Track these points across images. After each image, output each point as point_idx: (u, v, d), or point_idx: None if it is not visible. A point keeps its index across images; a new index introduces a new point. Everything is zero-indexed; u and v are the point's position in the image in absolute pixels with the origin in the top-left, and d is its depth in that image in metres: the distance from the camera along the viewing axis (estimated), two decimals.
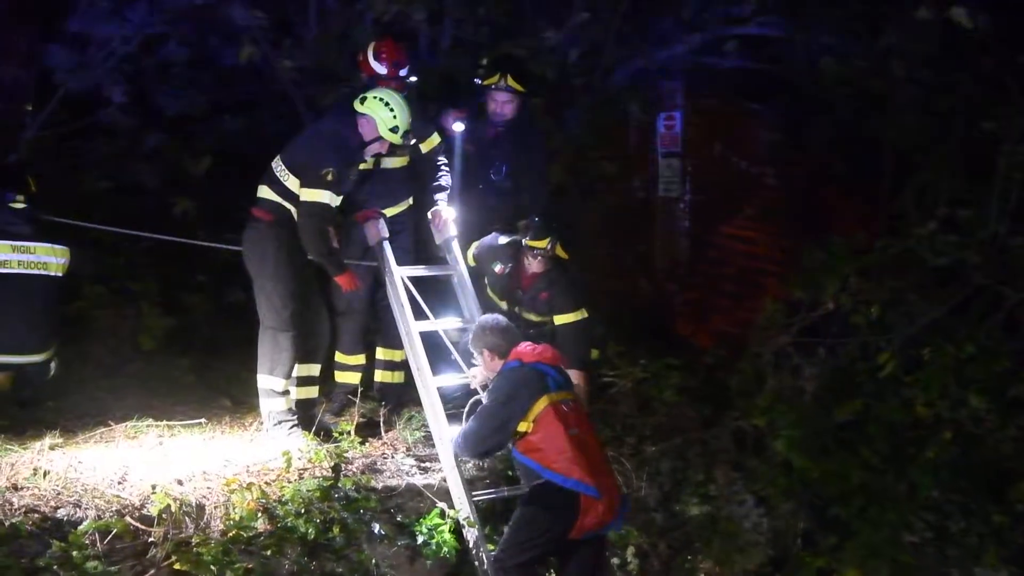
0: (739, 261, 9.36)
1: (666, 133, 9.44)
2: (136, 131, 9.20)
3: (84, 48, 8.79)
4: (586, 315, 7.20)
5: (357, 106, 6.67)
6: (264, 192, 6.68)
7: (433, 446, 6.46)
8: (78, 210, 7.92)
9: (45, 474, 5.65)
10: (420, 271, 7.06)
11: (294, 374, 6.83)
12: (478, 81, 7.44)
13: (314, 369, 7.00)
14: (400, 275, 6.81)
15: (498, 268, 7.18)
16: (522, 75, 7.36)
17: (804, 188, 9.58)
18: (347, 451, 6.36)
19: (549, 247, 7.03)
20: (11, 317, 6.92)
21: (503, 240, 7.07)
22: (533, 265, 7.11)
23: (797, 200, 9.55)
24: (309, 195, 6.49)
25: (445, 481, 6.23)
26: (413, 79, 7.22)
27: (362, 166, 6.88)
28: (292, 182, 6.57)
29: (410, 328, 6.63)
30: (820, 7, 9.10)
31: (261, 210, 6.67)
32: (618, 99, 9.65)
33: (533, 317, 7.28)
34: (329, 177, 6.47)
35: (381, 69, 7.03)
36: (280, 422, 6.65)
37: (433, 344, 6.73)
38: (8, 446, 6.04)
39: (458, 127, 7.37)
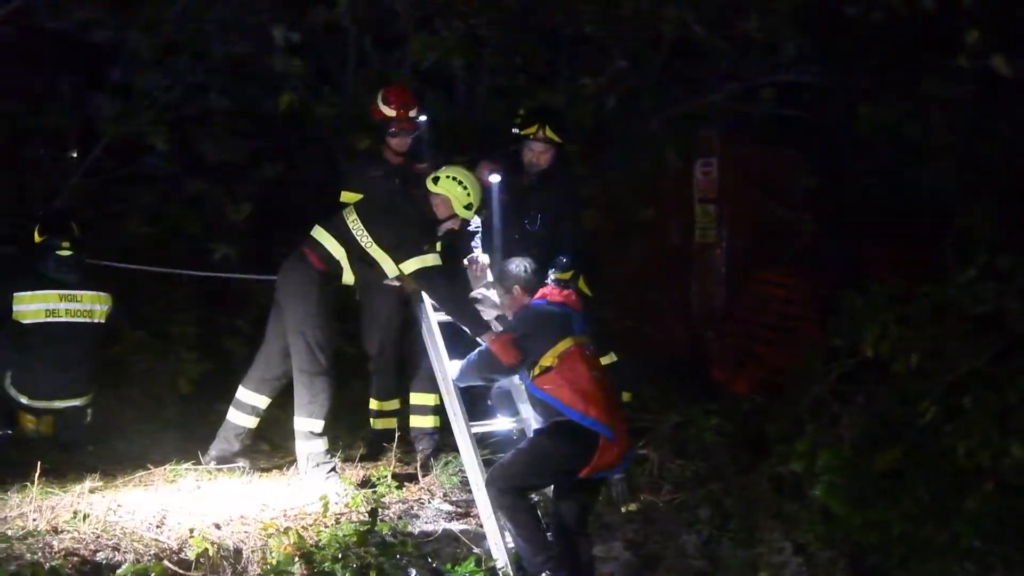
0: (776, 307, 9.33)
1: (703, 179, 9.49)
2: (177, 178, 9.35)
3: (127, 97, 8.94)
4: (613, 358, 7.24)
5: (431, 186, 6.77)
6: (325, 241, 6.77)
7: (470, 491, 6.47)
8: (120, 256, 8.09)
9: (85, 517, 5.71)
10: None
11: (246, 400, 6.97)
12: (515, 131, 7.51)
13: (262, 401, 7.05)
14: (437, 320, 6.87)
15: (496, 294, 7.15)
16: (559, 126, 7.43)
17: (842, 234, 9.57)
18: (384, 496, 6.40)
19: (571, 280, 7.12)
20: (55, 363, 7.08)
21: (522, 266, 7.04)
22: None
23: (835, 246, 9.54)
24: (417, 263, 6.62)
25: (482, 527, 6.23)
26: (423, 119, 7.37)
27: None
28: (377, 252, 6.72)
29: (446, 373, 6.67)
30: (857, 54, 9.14)
31: (315, 255, 6.76)
32: (655, 145, 9.71)
33: None
34: (427, 248, 6.64)
35: (390, 112, 7.23)
36: (319, 464, 6.70)
37: (468, 389, 6.78)
38: (49, 489, 6.11)
39: (494, 178, 7.45)
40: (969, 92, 8.42)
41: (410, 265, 6.61)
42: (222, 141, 9.46)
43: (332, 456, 6.83)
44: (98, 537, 5.56)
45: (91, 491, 6.14)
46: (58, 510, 5.83)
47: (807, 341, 8.24)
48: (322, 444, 6.76)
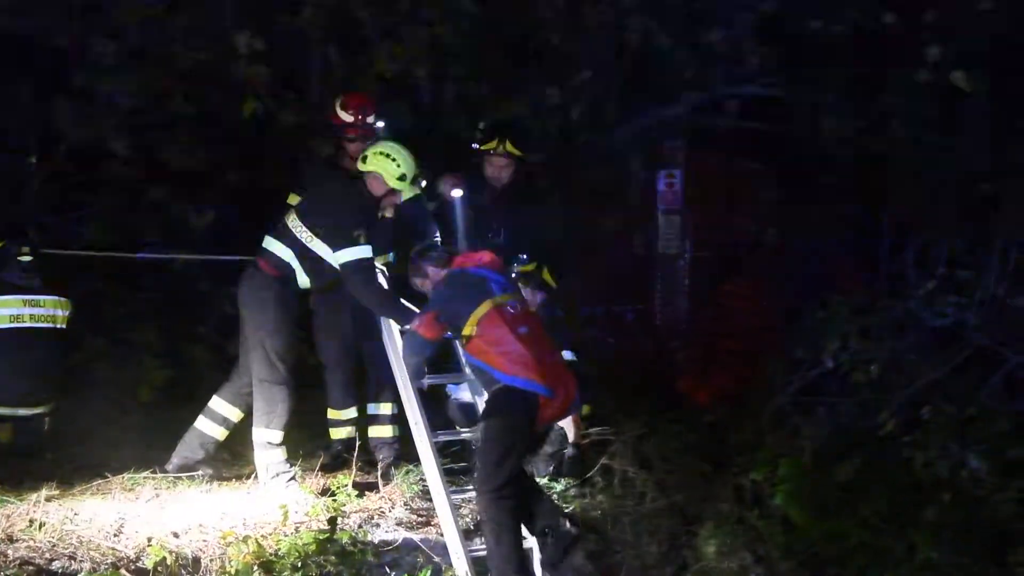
0: (739, 319, 9.40)
1: (667, 191, 9.56)
2: (139, 184, 9.30)
3: (89, 102, 8.88)
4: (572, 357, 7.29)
5: (361, 167, 6.78)
6: (273, 246, 6.76)
7: (431, 500, 6.46)
8: (80, 262, 8.04)
9: (41, 526, 5.67)
10: None
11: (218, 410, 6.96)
12: (475, 146, 7.51)
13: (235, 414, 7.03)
14: (398, 329, 6.86)
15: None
16: (520, 140, 7.42)
17: (804, 247, 9.65)
18: (344, 505, 6.39)
19: (535, 272, 7.25)
20: (20, 369, 7.02)
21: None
22: (528, 295, 7.14)
23: (797, 259, 9.62)
24: (348, 255, 6.60)
25: (442, 536, 6.22)
26: (380, 124, 7.37)
27: None
28: (318, 245, 6.69)
29: (408, 382, 6.66)
30: (820, 68, 9.24)
31: (267, 263, 6.74)
32: (619, 156, 9.76)
33: None
34: (361, 239, 6.59)
35: (348, 118, 7.25)
36: (278, 474, 6.68)
37: (429, 395, 6.80)
38: (4, 497, 6.06)
39: (456, 193, 7.46)
40: (930, 107, 8.52)
41: (342, 256, 6.59)
42: (185, 148, 9.41)
43: (291, 465, 6.81)
44: (54, 546, 5.51)
45: (47, 499, 6.09)
46: (13, 519, 5.78)
47: (770, 352, 8.30)
48: (281, 454, 6.74)
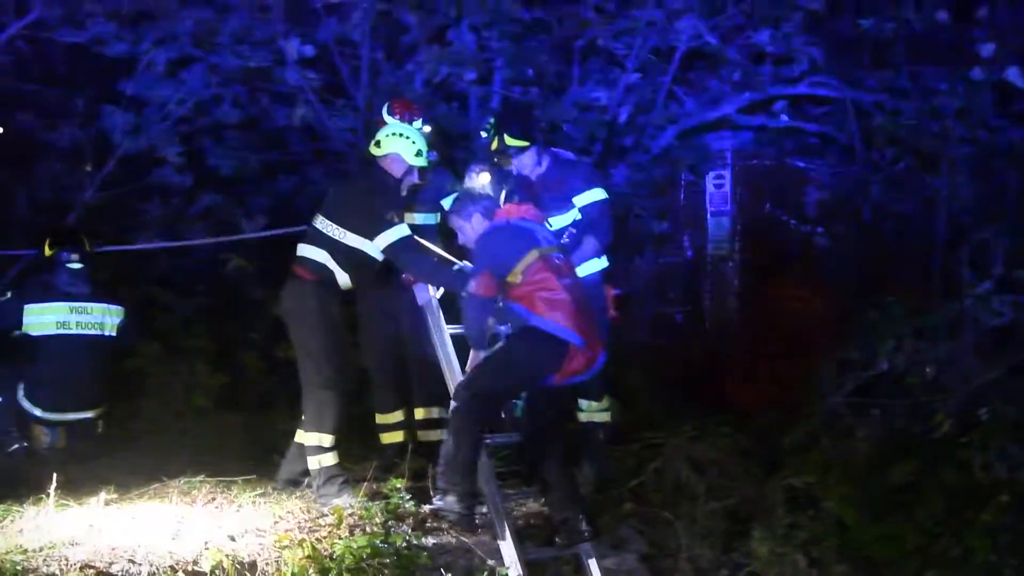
0: (791, 321, 9.37)
1: (715, 192, 9.54)
2: (190, 191, 9.45)
3: (140, 110, 9.04)
4: None
5: (375, 152, 6.86)
6: (307, 251, 6.79)
7: (485, 504, 6.50)
8: (133, 269, 8.17)
9: (100, 530, 5.76)
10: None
11: None
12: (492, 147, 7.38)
13: None
14: (449, 334, 6.91)
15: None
16: (521, 127, 7.28)
17: (857, 247, 9.61)
18: (397, 508, 6.43)
19: None
20: (66, 376, 7.17)
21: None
22: None
23: (849, 259, 9.57)
24: (388, 237, 6.63)
25: (496, 539, 6.26)
26: (427, 128, 7.42)
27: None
28: (352, 239, 6.69)
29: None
30: (872, 66, 9.19)
31: (304, 269, 6.78)
32: (667, 158, 9.76)
33: None
34: (395, 219, 6.66)
35: (390, 119, 7.33)
36: (331, 477, 6.73)
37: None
38: (64, 502, 6.14)
39: (484, 178, 7.45)
40: (984, 104, 8.46)
41: (382, 240, 6.63)
42: (235, 154, 9.54)
43: (343, 469, 6.87)
44: (114, 549, 5.57)
45: (106, 504, 6.18)
46: (74, 522, 5.87)
47: (822, 354, 8.27)
48: (332, 458, 6.77)
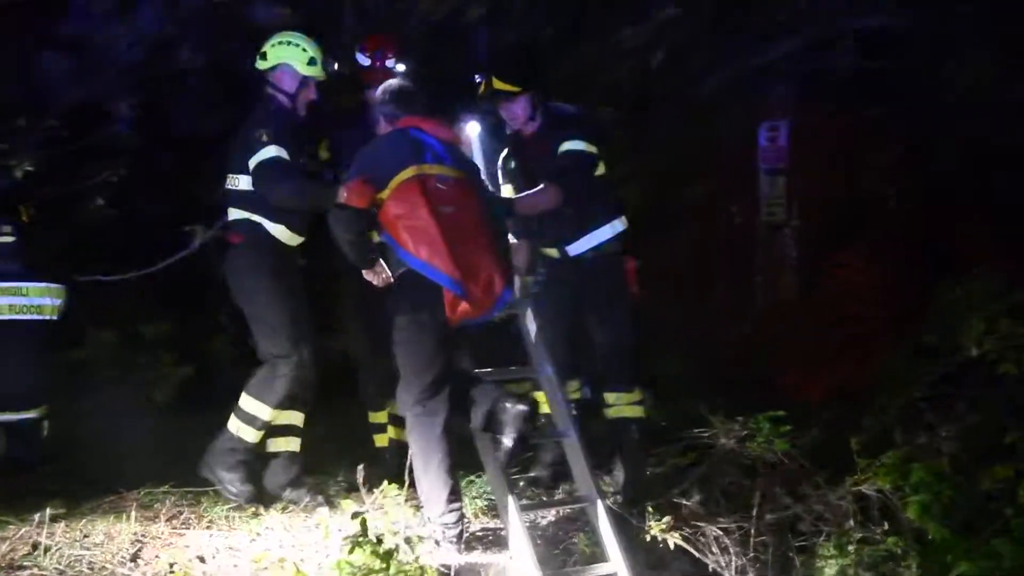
0: (858, 298, 9.34)
1: (769, 147, 9.51)
2: (144, 150, 9.41)
3: (83, 54, 8.99)
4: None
5: (262, 65, 7.01)
6: (232, 214, 6.97)
7: (496, 516, 6.49)
8: (78, 242, 8.13)
9: (46, 550, 5.73)
10: None
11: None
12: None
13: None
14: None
15: None
16: (512, 68, 7.31)
17: (934, 212, 9.57)
18: (396, 520, 6.37)
19: None
20: (3, 369, 7.13)
21: None
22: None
23: (927, 227, 9.53)
24: (254, 161, 6.74)
25: (512, 558, 6.24)
26: (400, 67, 7.48)
27: None
28: (244, 180, 6.85)
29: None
30: None
31: (233, 233, 6.97)
32: (711, 109, 9.70)
33: None
34: (264, 137, 6.72)
35: (365, 61, 7.53)
36: (232, 451, 6.82)
37: None
38: (3, 517, 6.16)
39: (472, 128, 7.47)
40: None
41: (251, 167, 6.74)
42: (196, 107, 9.51)
43: (252, 456, 6.91)
44: (62, 573, 5.58)
45: (53, 519, 6.15)
46: (14, 542, 5.86)
47: (896, 339, 8.24)
48: (253, 435, 6.86)
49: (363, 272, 6.51)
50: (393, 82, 6.67)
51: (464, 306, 6.05)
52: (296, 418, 7.09)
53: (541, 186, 7.14)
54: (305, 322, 6.96)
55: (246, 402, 6.86)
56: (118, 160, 9.36)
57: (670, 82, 9.74)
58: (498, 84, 7.20)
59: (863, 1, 9.35)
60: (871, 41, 9.63)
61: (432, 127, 6.42)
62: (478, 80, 7.31)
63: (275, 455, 7.05)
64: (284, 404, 6.89)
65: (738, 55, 9.72)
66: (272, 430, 7.02)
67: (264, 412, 6.83)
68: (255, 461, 7.01)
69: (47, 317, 7.35)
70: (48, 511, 6.22)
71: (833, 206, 9.52)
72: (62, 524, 6.18)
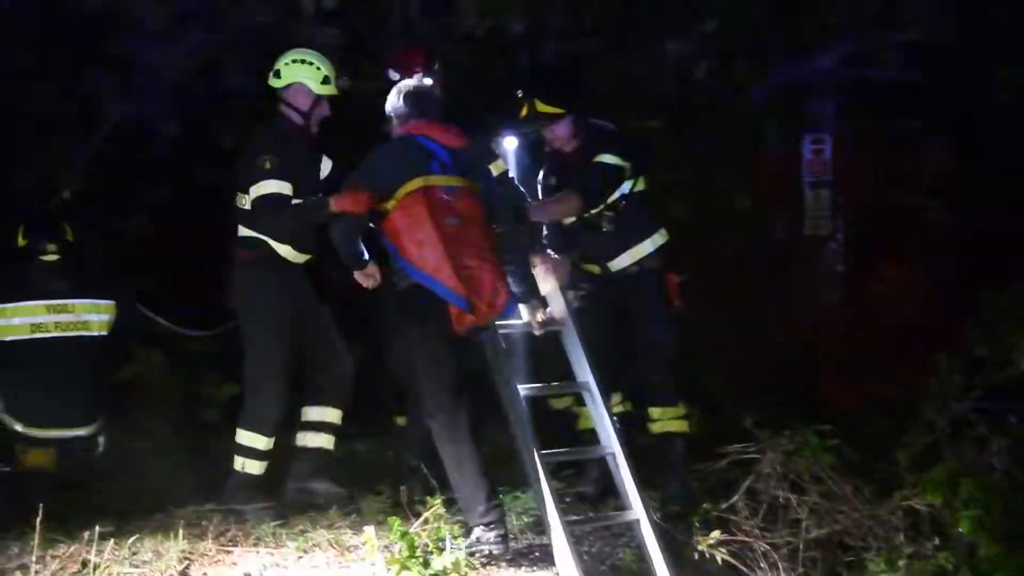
0: (903, 309, 9.24)
1: (813, 159, 9.45)
2: (190, 168, 9.41)
3: (132, 73, 9.00)
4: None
5: (275, 84, 7.00)
6: (240, 231, 6.98)
7: (543, 533, 6.42)
8: (127, 260, 8.13)
9: (96, 568, 5.74)
10: (519, 326, 7.12)
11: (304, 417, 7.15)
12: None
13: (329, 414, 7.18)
14: (499, 331, 6.82)
15: None
16: (556, 92, 7.27)
17: (979, 223, 9.47)
18: (441, 537, 6.31)
19: None
20: (49, 385, 7.15)
21: None
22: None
23: (971, 238, 9.44)
24: (254, 192, 6.77)
25: (558, 575, 6.17)
26: (428, 82, 7.36)
27: None
28: (246, 200, 6.86)
29: (513, 393, 6.61)
30: (998, 5, 9.02)
31: (240, 250, 6.97)
32: (754, 120, 9.63)
33: None
34: (267, 165, 6.74)
35: (395, 76, 7.39)
36: (246, 486, 6.83)
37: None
38: (53, 535, 6.13)
39: (509, 143, 7.49)
40: None
41: (253, 192, 6.76)
42: (242, 125, 9.50)
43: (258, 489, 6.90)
44: None
45: (102, 537, 6.11)
46: (64, 560, 5.87)
47: (943, 350, 8.13)
48: (258, 467, 6.89)
49: (355, 274, 6.56)
50: (408, 83, 6.70)
51: (469, 318, 6.10)
52: (332, 415, 7.14)
53: (562, 195, 7.11)
54: (294, 348, 6.98)
55: (240, 436, 6.90)
56: (164, 178, 9.40)
57: (713, 93, 9.65)
58: (542, 107, 7.17)
59: (907, 11, 9.22)
60: (915, 51, 9.54)
61: (441, 134, 6.43)
62: (520, 96, 7.25)
63: (305, 450, 7.12)
64: (274, 427, 6.92)
65: (781, 67, 9.64)
66: (305, 425, 7.12)
67: (259, 441, 6.87)
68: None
69: (95, 333, 7.34)
70: (97, 529, 6.20)
71: (879, 218, 9.42)
72: (111, 542, 6.13)
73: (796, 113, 9.62)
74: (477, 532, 6.12)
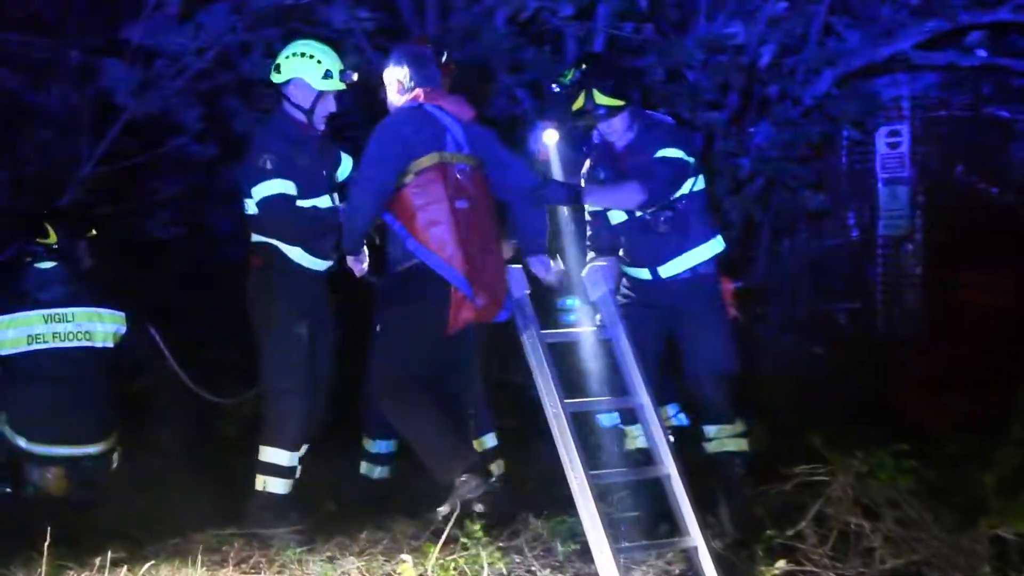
0: (990, 319, 9.17)
1: (889, 153, 9.39)
2: (213, 164, 9.47)
3: (150, 63, 9.05)
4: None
5: (275, 78, 6.97)
6: (252, 236, 6.97)
7: (591, 561, 6.40)
8: (142, 262, 8.17)
9: None
10: (566, 334, 7.14)
11: None
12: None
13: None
14: (544, 340, 6.80)
15: None
16: (615, 83, 7.17)
17: None
18: (480, 563, 6.30)
19: None
20: (55, 400, 7.19)
21: None
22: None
23: None
24: (256, 194, 6.76)
25: None
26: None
27: None
28: (251, 203, 6.86)
29: (560, 408, 6.58)
30: None
31: (254, 255, 6.97)
32: (825, 110, 9.58)
33: None
34: (268, 164, 6.73)
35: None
36: (270, 507, 6.80)
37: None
38: (63, 562, 6.14)
39: (550, 138, 7.45)
40: None
41: (256, 194, 6.75)
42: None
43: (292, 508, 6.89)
44: None
45: (114, 563, 6.16)
46: None
47: None
48: (283, 486, 6.87)
49: (348, 260, 6.67)
50: (406, 46, 6.84)
51: (467, 312, 6.16)
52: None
53: (625, 183, 7.07)
54: (311, 356, 6.97)
55: (264, 453, 6.89)
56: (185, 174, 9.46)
57: (780, 81, 9.61)
58: (601, 99, 7.13)
59: None
60: (1003, 35, 9.47)
61: (452, 104, 6.48)
62: (570, 85, 7.22)
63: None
64: (300, 441, 6.94)
65: (854, 51, 9.57)
66: None
67: (283, 457, 6.87)
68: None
69: (99, 344, 7.37)
70: (110, 555, 6.24)
71: (962, 217, 9.35)
72: (124, 569, 6.16)
73: (871, 103, 9.53)
74: (457, 498, 6.19)
